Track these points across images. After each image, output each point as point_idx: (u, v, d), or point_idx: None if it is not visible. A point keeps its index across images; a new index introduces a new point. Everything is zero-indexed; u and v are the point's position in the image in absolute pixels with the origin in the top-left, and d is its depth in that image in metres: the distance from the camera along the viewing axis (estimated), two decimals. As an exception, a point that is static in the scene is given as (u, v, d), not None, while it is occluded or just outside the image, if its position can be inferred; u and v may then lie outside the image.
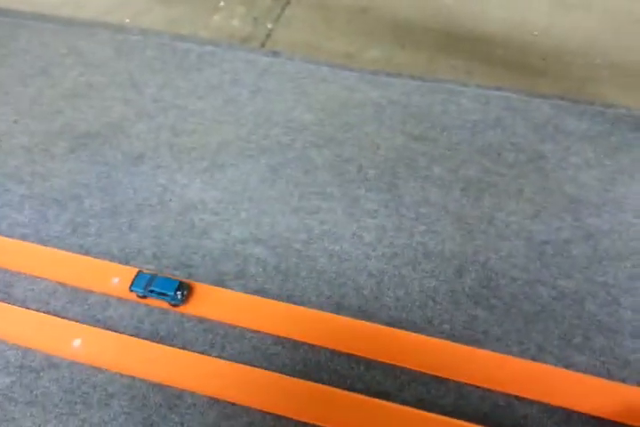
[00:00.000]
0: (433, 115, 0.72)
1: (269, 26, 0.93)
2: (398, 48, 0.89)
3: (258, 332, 0.53)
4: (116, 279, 0.57)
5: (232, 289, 0.56)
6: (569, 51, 0.85)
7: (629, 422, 0.47)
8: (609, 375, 0.49)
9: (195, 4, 0.93)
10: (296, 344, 0.53)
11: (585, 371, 0.50)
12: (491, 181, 0.65)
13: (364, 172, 0.66)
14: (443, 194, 0.64)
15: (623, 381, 0.49)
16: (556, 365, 0.50)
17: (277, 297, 0.56)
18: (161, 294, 0.54)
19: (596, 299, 0.55)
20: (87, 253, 0.59)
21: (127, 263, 0.58)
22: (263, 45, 0.90)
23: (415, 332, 0.53)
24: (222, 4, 0.92)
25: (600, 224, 0.60)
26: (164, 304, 0.55)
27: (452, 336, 0.52)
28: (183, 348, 0.52)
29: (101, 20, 0.87)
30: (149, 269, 0.57)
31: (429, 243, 0.59)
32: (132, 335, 0.53)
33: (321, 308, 0.55)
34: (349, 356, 0.52)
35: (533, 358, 0.51)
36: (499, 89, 0.74)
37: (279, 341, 0.53)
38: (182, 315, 0.54)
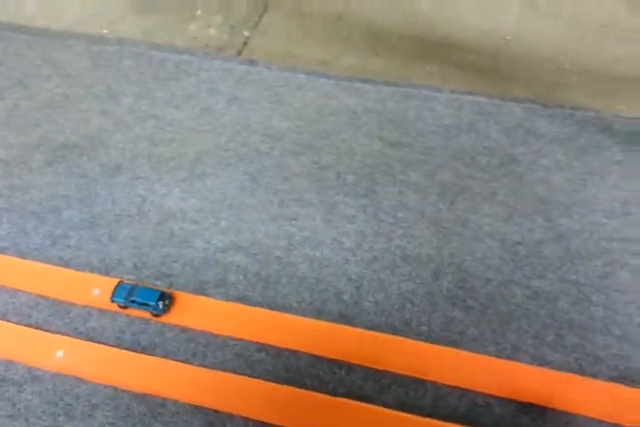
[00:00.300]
0: (408, 120, 0.73)
1: (246, 33, 0.94)
2: (373, 55, 0.91)
3: (240, 339, 0.54)
4: (96, 290, 0.57)
5: (213, 297, 0.57)
6: (539, 56, 0.87)
7: (606, 419, 0.48)
8: (581, 371, 0.51)
9: (171, 13, 0.93)
10: (278, 351, 0.53)
11: (559, 368, 0.51)
12: (465, 184, 0.66)
13: (341, 178, 0.67)
14: (419, 198, 0.65)
15: (594, 376, 0.51)
16: (531, 363, 0.51)
17: (259, 304, 0.56)
18: (142, 304, 0.55)
19: (568, 297, 0.56)
20: (67, 265, 0.59)
21: (108, 274, 0.59)
22: (240, 53, 0.91)
23: (394, 334, 0.54)
24: (199, 12, 0.92)
25: (571, 224, 0.62)
26: (146, 314, 0.55)
27: (429, 338, 0.53)
28: (165, 357, 0.53)
29: (77, 31, 0.87)
30: (130, 279, 0.58)
31: (407, 247, 0.61)
32: (114, 346, 0.53)
33: (302, 314, 0.56)
34: (331, 361, 0.52)
35: (509, 358, 0.52)
36: (471, 94, 0.76)
37: (261, 348, 0.53)
38: (164, 324, 0.55)
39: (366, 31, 0.95)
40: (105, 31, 0.90)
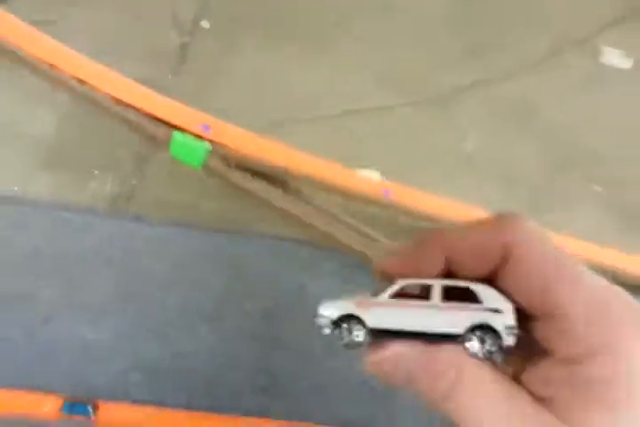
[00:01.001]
0: (245, 261, 1.12)
1: (133, 182, 1.29)
2: (228, 200, 1.28)
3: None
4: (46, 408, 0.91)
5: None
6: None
7: None
8: None
9: (74, 173, 1.26)
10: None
11: None
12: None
13: (202, 306, 1.04)
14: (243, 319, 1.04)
15: None
16: None
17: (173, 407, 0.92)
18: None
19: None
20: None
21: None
22: (129, 200, 1.26)
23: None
24: (96, 172, 1.26)
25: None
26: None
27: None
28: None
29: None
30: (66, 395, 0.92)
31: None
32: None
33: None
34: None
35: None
36: (286, 239, 1.16)
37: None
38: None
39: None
40: (19, 190, 1.21)
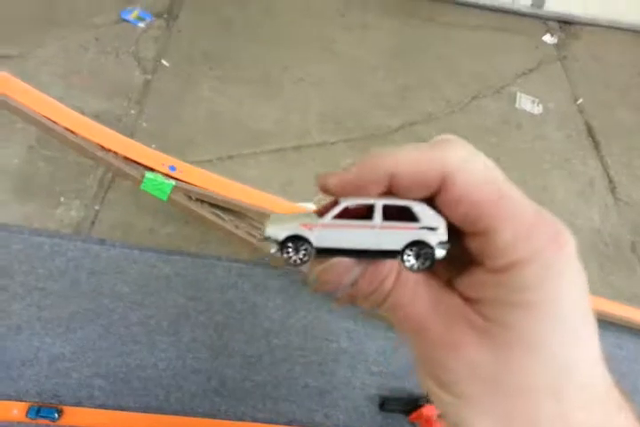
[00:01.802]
0: (200, 281, 1.26)
1: (97, 208, 1.41)
2: (184, 223, 1.42)
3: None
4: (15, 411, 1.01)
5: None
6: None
7: None
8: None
9: (42, 200, 1.37)
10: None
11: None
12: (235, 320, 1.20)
13: (159, 323, 1.17)
14: (206, 333, 1.17)
15: None
16: None
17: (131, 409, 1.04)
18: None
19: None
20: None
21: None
22: (93, 224, 1.38)
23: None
24: (62, 199, 1.38)
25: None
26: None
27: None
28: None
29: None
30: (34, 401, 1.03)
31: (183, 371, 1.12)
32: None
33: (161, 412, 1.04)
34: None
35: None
36: (237, 261, 1.31)
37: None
38: None
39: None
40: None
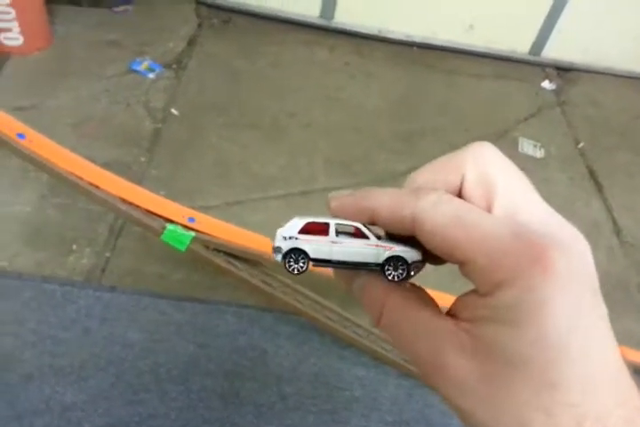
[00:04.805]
0: (211, 327, 1.26)
1: (107, 255, 1.42)
2: (194, 270, 1.43)
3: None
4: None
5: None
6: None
7: None
8: None
9: (54, 248, 1.39)
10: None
11: None
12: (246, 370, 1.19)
13: (169, 372, 1.17)
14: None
15: None
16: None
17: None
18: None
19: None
20: None
21: None
22: (104, 271, 1.38)
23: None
24: (74, 246, 1.39)
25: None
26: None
27: None
28: None
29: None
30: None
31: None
32: None
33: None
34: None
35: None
36: (247, 306, 1.31)
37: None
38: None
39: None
40: (5, 264, 1.33)
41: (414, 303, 0.25)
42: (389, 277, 0.25)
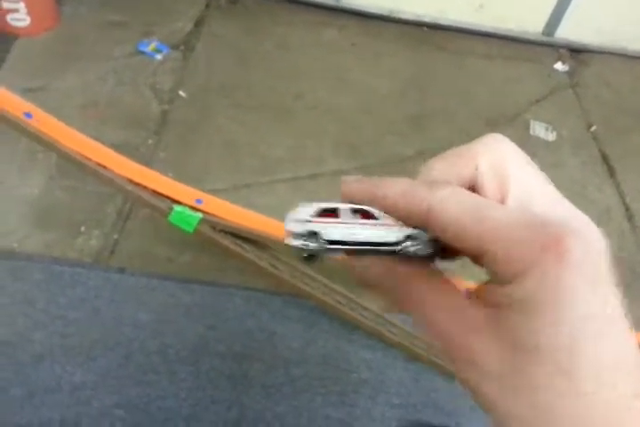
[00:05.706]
0: (220, 310, 1.26)
1: (115, 237, 1.42)
2: (200, 250, 1.43)
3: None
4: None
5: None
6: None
7: None
8: None
9: (62, 229, 1.39)
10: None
11: None
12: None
13: (178, 353, 1.17)
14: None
15: None
16: None
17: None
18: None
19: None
20: None
21: None
22: (112, 253, 1.39)
23: None
24: (83, 228, 1.40)
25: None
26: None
27: None
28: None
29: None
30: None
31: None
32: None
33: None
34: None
35: None
36: (256, 289, 1.31)
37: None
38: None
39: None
40: (15, 245, 1.34)
41: (443, 285, 0.26)
42: (412, 252, 0.25)
